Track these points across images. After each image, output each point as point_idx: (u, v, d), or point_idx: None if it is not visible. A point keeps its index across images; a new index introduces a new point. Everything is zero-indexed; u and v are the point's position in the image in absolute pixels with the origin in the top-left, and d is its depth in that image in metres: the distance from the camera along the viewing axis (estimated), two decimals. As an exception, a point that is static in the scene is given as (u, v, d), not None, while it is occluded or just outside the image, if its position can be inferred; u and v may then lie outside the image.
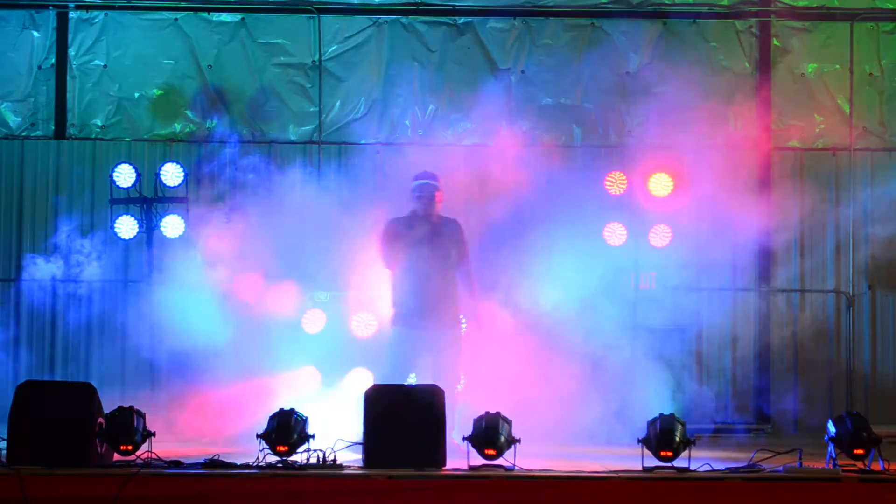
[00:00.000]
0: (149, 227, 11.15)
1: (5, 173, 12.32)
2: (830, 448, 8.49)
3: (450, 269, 9.75)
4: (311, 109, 12.32)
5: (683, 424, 8.50)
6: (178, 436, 9.84)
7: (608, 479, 8.16)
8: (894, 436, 10.00)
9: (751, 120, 12.43)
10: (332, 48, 12.43)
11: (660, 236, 11.20)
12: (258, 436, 8.41)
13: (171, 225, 11.07)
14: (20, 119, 12.41)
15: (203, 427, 10.25)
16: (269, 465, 8.28)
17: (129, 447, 8.42)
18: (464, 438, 8.37)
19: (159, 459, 8.39)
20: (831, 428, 8.52)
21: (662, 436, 8.33)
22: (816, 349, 12.24)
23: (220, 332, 10.31)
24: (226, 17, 12.49)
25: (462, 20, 12.48)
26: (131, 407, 8.56)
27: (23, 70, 12.42)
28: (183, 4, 12.45)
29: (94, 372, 11.69)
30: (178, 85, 12.36)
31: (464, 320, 9.89)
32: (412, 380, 9.63)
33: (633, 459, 8.52)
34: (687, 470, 8.27)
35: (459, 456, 8.30)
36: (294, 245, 10.67)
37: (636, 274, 11.45)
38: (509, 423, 8.48)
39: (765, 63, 12.46)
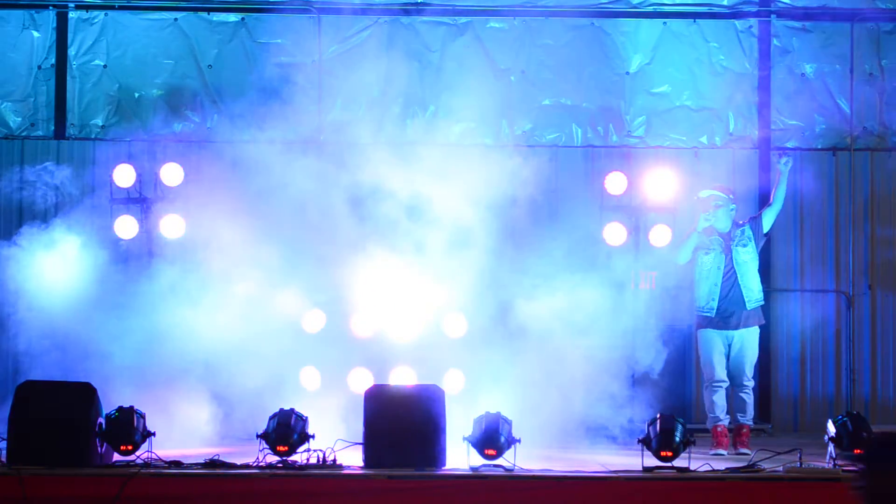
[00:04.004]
0: (149, 227, 11.14)
1: (5, 173, 12.31)
2: (830, 448, 8.49)
3: None
4: (312, 109, 12.30)
5: (683, 424, 8.51)
6: (178, 435, 9.83)
7: (608, 479, 8.16)
8: (894, 436, 10.00)
9: (751, 120, 12.43)
10: (332, 48, 12.43)
11: (660, 236, 11.19)
12: (258, 436, 8.41)
13: (171, 225, 11.06)
14: (20, 119, 12.41)
15: (203, 427, 10.24)
16: (269, 465, 8.28)
17: (129, 447, 8.42)
18: (463, 439, 8.37)
19: (159, 459, 8.38)
20: (831, 428, 8.52)
21: (662, 436, 8.33)
22: (816, 349, 12.24)
23: (220, 333, 10.29)
24: (226, 17, 12.49)
25: (462, 20, 12.47)
26: (131, 407, 8.56)
27: (23, 70, 12.42)
28: (183, 4, 12.45)
29: (94, 372, 11.66)
30: (178, 85, 12.36)
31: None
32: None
33: (633, 459, 8.52)
34: (687, 470, 8.27)
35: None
36: (294, 245, 10.67)
37: (636, 274, 11.45)
38: (509, 423, 8.48)
39: (765, 63, 12.45)
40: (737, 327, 10.06)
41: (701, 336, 10.19)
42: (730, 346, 10.10)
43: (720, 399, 10.06)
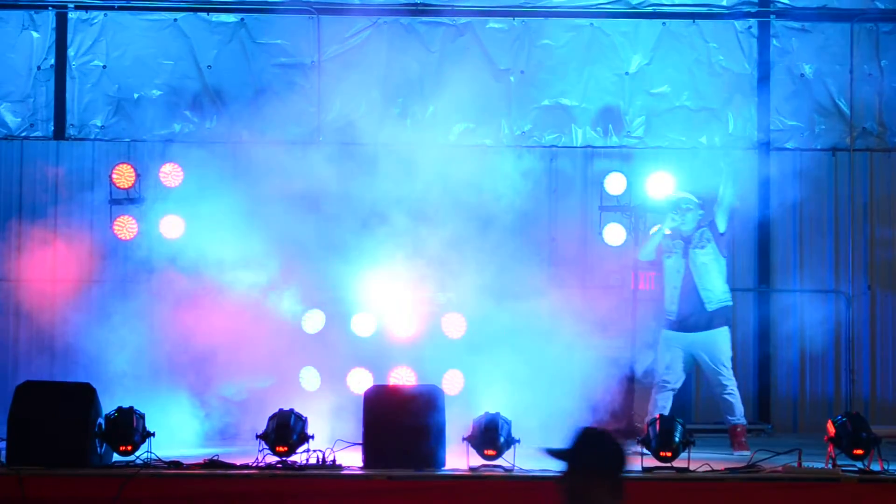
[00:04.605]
0: (148, 227, 11.14)
1: (4, 174, 12.31)
2: (830, 448, 8.49)
3: None
4: (311, 110, 12.31)
5: (683, 425, 8.52)
6: (177, 436, 9.83)
7: (608, 479, 8.14)
8: (894, 436, 10.01)
9: (750, 120, 12.43)
10: (332, 48, 12.42)
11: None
12: (258, 436, 8.41)
13: (171, 225, 11.05)
14: (19, 120, 12.40)
15: (202, 427, 10.24)
16: (269, 466, 8.28)
17: (129, 448, 8.43)
18: (463, 439, 8.37)
19: (159, 460, 8.38)
20: (831, 428, 8.53)
21: (662, 436, 8.33)
22: (816, 349, 12.23)
23: (219, 333, 10.30)
24: (225, 17, 12.48)
25: (462, 20, 12.47)
26: (131, 408, 8.57)
27: (22, 71, 12.42)
28: (182, 5, 12.44)
29: (93, 372, 11.66)
30: (177, 85, 12.35)
31: None
32: None
33: (632, 459, 8.51)
34: (687, 470, 8.27)
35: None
36: (294, 245, 10.67)
37: (636, 274, 11.44)
38: (509, 423, 8.48)
39: (764, 63, 12.45)
40: (696, 329, 10.05)
41: (661, 336, 10.25)
42: (693, 351, 10.07)
43: (663, 399, 10.05)
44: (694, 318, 10.04)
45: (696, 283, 10.07)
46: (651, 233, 10.51)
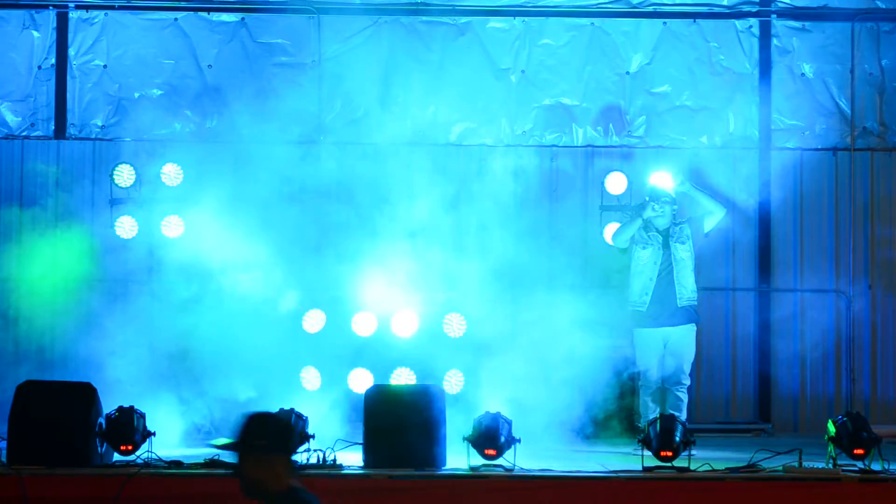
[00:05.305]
0: (148, 227, 11.14)
1: (5, 173, 12.31)
2: (830, 448, 8.49)
3: None
4: (312, 109, 12.30)
5: (684, 424, 8.52)
6: (179, 435, 9.84)
7: (608, 479, 8.16)
8: (894, 436, 10.01)
9: (751, 120, 12.43)
10: (333, 48, 12.42)
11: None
12: (258, 436, 8.40)
13: (172, 225, 11.06)
14: (20, 119, 12.41)
15: (203, 426, 10.24)
16: (269, 465, 8.27)
17: (129, 447, 8.42)
18: (463, 439, 8.38)
19: (159, 459, 8.38)
20: (831, 428, 8.53)
21: (662, 436, 8.33)
22: (816, 349, 12.24)
23: (220, 332, 10.30)
24: (226, 17, 12.49)
25: (462, 20, 12.46)
26: (131, 407, 8.56)
27: (23, 70, 12.42)
28: (183, 4, 12.44)
29: (93, 371, 11.66)
30: (178, 85, 12.35)
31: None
32: None
33: (633, 459, 8.52)
34: (687, 470, 8.27)
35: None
36: (294, 245, 10.67)
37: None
38: (509, 423, 8.49)
39: (765, 63, 12.45)
40: (670, 324, 10.01)
41: (637, 336, 10.13)
42: (665, 343, 10.03)
43: (652, 399, 10.03)
44: (667, 312, 10.00)
45: (673, 277, 10.05)
46: (629, 220, 10.41)
